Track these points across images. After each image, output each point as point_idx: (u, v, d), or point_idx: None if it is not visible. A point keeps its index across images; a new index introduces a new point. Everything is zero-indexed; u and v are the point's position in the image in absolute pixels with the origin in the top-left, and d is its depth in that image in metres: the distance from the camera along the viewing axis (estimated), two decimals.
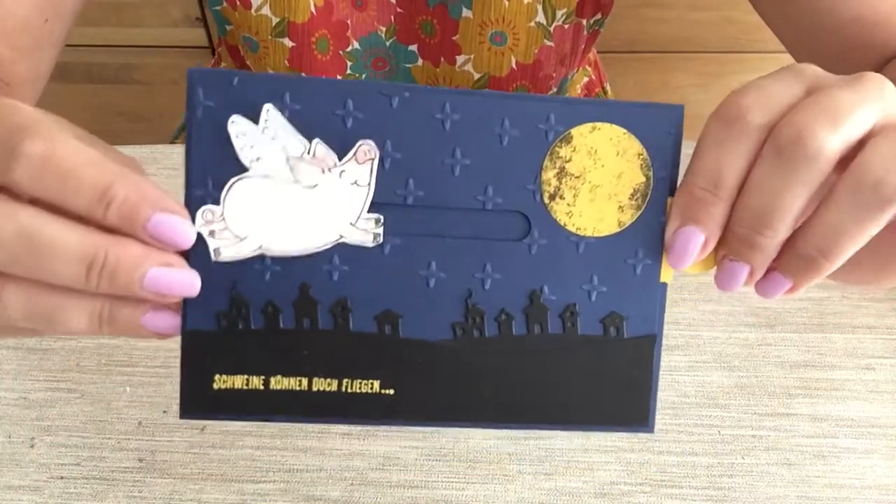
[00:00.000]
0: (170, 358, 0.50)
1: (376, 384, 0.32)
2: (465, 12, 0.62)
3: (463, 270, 0.32)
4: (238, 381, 0.31)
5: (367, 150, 0.30)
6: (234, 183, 0.30)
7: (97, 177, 0.27)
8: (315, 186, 0.30)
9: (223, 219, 0.30)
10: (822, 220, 0.30)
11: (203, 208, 0.29)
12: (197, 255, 0.30)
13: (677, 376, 0.50)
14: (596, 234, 0.32)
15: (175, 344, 0.50)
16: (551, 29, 0.63)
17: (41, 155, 0.27)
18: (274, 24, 0.62)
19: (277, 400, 0.32)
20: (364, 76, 0.68)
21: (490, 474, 0.46)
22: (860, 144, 0.30)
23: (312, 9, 0.61)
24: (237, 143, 0.29)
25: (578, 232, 0.32)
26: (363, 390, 0.32)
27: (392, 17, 0.64)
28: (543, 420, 0.33)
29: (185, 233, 0.28)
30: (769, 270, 0.32)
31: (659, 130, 0.32)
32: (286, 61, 0.65)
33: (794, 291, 0.32)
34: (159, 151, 0.63)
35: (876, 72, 0.44)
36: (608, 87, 0.88)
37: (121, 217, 0.27)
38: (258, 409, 0.32)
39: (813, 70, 0.32)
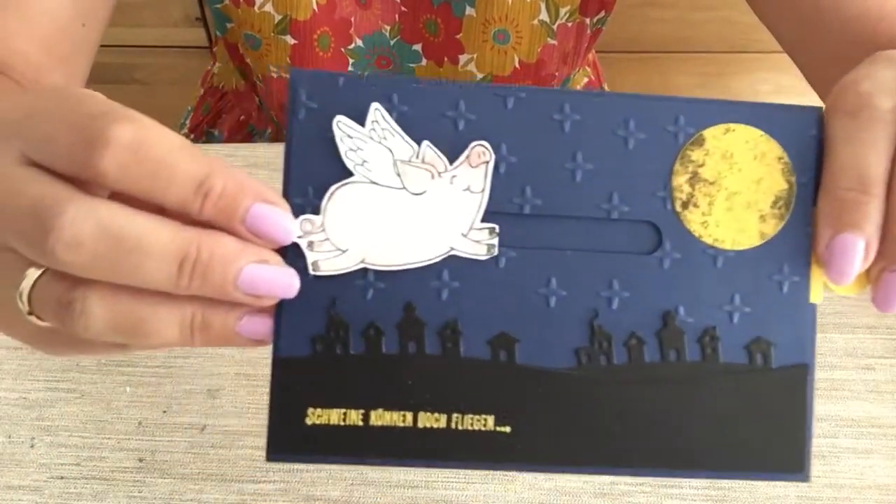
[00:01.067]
0: (170, 358, 0.50)
1: (490, 420, 0.29)
2: (469, 10, 0.62)
3: (587, 288, 0.29)
4: (334, 416, 0.28)
5: (481, 152, 0.28)
6: (336, 189, 0.27)
7: (194, 165, 0.24)
8: (423, 193, 0.28)
9: (323, 229, 0.27)
10: None
11: (302, 218, 0.27)
12: (293, 268, 0.27)
13: None
14: (736, 247, 0.29)
15: None
16: (554, 27, 0.63)
17: (132, 140, 0.24)
18: (276, 21, 0.62)
19: (378, 437, 0.28)
20: (367, 75, 0.68)
21: (490, 474, 0.46)
22: None
23: (314, 6, 0.61)
24: (342, 146, 0.27)
25: (716, 244, 0.29)
26: (475, 427, 0.29)
27: (396, 16, 0.64)
28: (680, 466, 0.29)
29: (285, 227, 0.26)
30: None
31: (799, 132, 0.29)
32: (288, 58, 0.65)
33: None
34: None
35: None
36: (605, 88, 0.88)
37: (218, 210, 0.25)
38: (356, 448, 0.28)
39: None
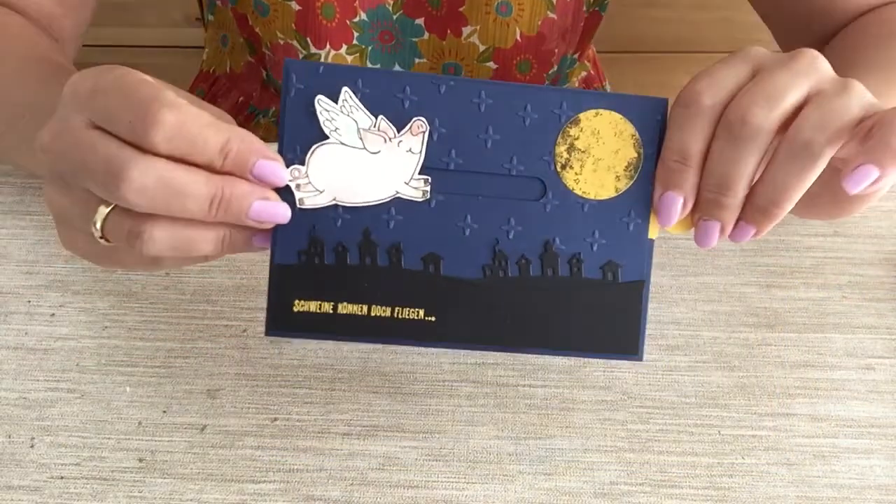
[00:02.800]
0: (169, 358, 0.50)
1: (421, 312, 0.40)
2: None
3: (492, 223, 0.40)
4: (313, 306, 0.39)
5: (419, 125, 0.38)
6: (316, 148, 0.38)
7: (217, 136, 0.34)
8: (378, 153, 0.38)
9: (307, 176, 0.38)
10: (770, 178, 0.38)
11: (292, 167, 0.37)
12: (286, 203, 0.37)
13: (677, 376, 0.50)
14: (598, 198, 0.40)
15: (174, 343, 0.50)
16: (554, 1, 0.65)
17: (175, 123, 0.33)
18: None
19: (343, 322, 0.40)
20: (370, 49, 0.68)
21: (490, 474, 0.46)
22: (798, 110, 0.37)
23: None
24: (321, 117, 0.37)
25: (583, 195, 0.40)
26: (411, 317, 0.40)
27: None
28: (552, 345, 0.41)
29: (280, 175, 0.36)
30: (736, 221, 0.39)
31: (648, 117, 0.39)
32: (293, 24, 0.66)
33: (759, 235, 0.39)
34: None
35: (837, 32, 0.59)
36: (608, 87, 0.88)
37: (235, 164, 0.35)
38: (327, 329, 0.39)
39: (757, 52, 0.39)
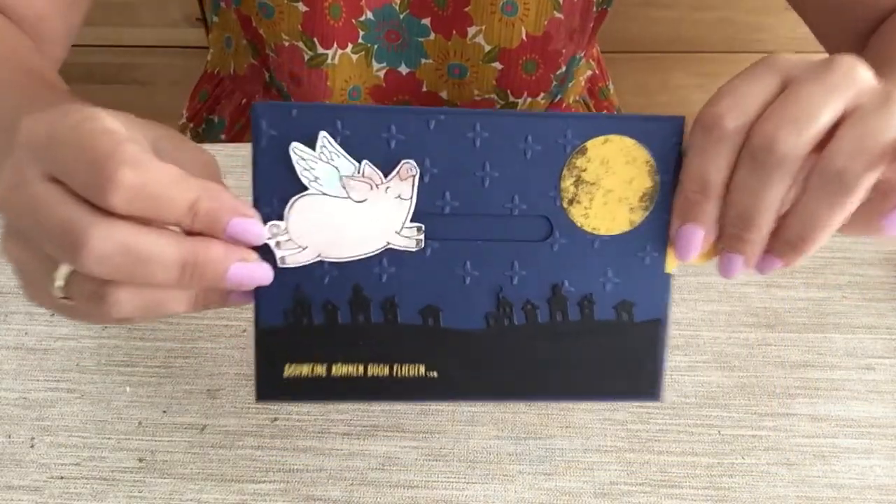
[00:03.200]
0: (169, 358, 0.50)
1: (422, 368, 0.37)
2: None
3: (494, 268, 0.37)
4: (305, 369, 0.37)
5: (408, 168, 0.35)
6: (295, 200, 0.34)
7: (184, 194, 0.31)
8: (365, 201, 0.35)
9: (287, 231, 0.34)
10: (800, 210, 0.34)
11: (270, 223, 0.34)
12: (267, 262, 0.34)
13: (677, 376, 0.50)
14: (609, 233, 0.37)
15: (174, 343, 0.50)
16: (561, 1, 0.64)
17: (134, 184, 0.30)
18: None
19: (338, 384, 0.37)
20: (376, 47, 0.68)
21: (490, 474, 0.46)
22: (834, 129, 0.33)
23: None
24: (298, 167, 0.34)
25: (594, 231, 0.37)
26: (411, 374, 0.37)
27: None
28: (565, 393, 0.38)
29: (257, 233, 0.33)
30: (763, 252, 0.36)
31: (664, 140, 0.36)
32: (299, 26, 0.66)
33: (788, 266, 0.36)
34: None
35: (879, 22, 0.52)
36: (611, 86, 0.88)
37: (206, 224, 0.32)
38: (322, 392, 0.37)
39: (785, 61, 0.35)
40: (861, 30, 0.57)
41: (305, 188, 0.34)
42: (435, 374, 0.37)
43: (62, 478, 0.45)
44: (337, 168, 0.34)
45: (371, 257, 0.36)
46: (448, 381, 0.37)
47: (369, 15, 0.66)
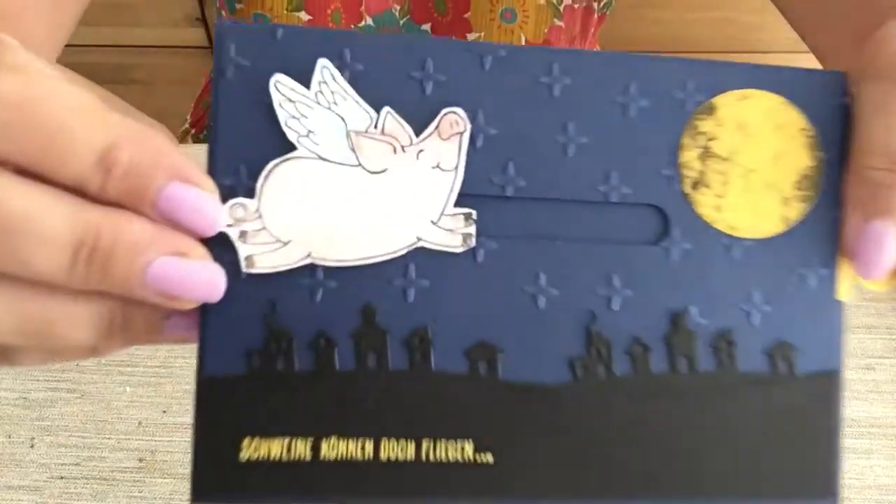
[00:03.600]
0: (170, 358, 0.50)
1: (469, 447, 0.24)
2: None
3: (582, 285, 0.24)
4: (275, 447, 0.23)
5: (454, 121, 0.23)
6: (275, 167, 0.22)
7: (96, 131, 0.19)
8: (384, 171, 0.23)
9: (259, 216, 0.22)
10: None
11: (232, 202, 0.22)
12: (222, 265, 0.22)
13: None
14: (755, 235, 0.25)
15: (174, 344, 0.50)
16: (561, 8, 0.64)
17: (18, 94, 0.19)
18: None
19: (331, 473, 0.23)
20: None
21: None
22: None
23: None
24: (282, 113, 0.22)
25: (732, 232, 0.25)
26: (451, 456, 0.23)
27: None
28: (695, 494, 0.25)
29: (209, 212, 0.21)
30: None
31: (826, 100, 0.25)
32: None
33: None
34: None
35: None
36: None
37: (123, 189, 0.20)
38: (303, 487, 0.23)
39: None
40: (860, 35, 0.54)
41: (292, 147, 0.22)
42: (490, 457, 0.24)
43: (62, 478, 0.45)
44: (342, 117, 0.23)
45: (391, 261, 0.23)
46: (510, 469, 0.24)
47: (369, 21, 0.66)
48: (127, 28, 1.26)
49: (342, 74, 0.23)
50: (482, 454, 0.24)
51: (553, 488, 0.24)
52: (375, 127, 0.23)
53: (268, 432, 0.23)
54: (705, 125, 0.25)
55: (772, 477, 0.25)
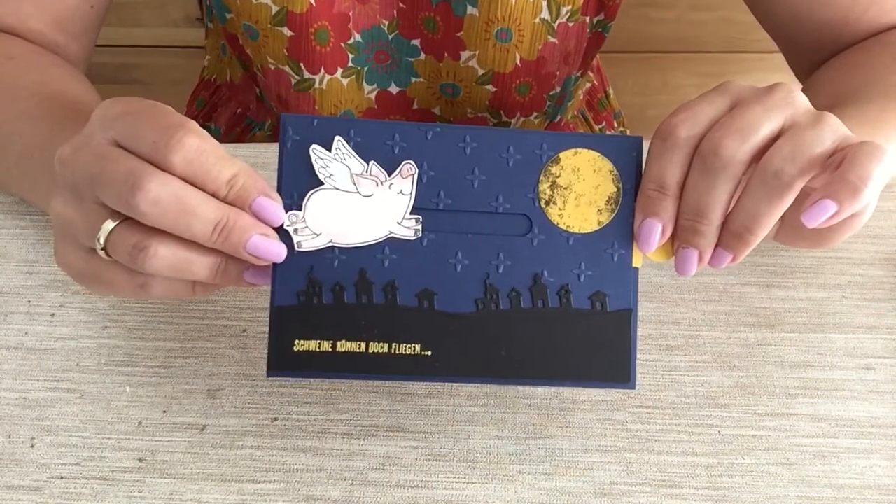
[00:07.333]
0: (169, 358, 0.50)
1: (417, 347, 0.41)
2: (471, 9, 0.62)
3: (482, 258, 0.42)
4: (313, 345, 0.41)
5: (409, 168, 0.41)
6: (312, 194, 0.40)
7: (229, 168, 0.37)
8: (371, 196, 0.40)
9: (304, 220, 0.40)
10: (743, 205, 0.40)
11: (290, 213, 0.40)
12: (285, 244, 0.39)
13: (677, 376, 0.50)
14: (581, 231, 0.42)
15: (174, 343, 0.50)
16: (555, 26, 0.64)
17: (196, 148, 0.36)
18: (273, 12, 0.62)
19: (342, 359, 0.41)
20: (366, 69, 0.67)
21: (490, 474, 0.46)
22: (773, 142, 0.39)
23: (312, 0, 0.61)
24: (316, 165, 0.40)
25: (568, 229, 0.42)
26: (407, 352, 0.41)
27: (395, 12, 0.64)
28: (546, 376, 0.42)
29: (276, 212, 0.39)
30: (714, 248, 0.41)
31: (625, 153, 0.42)
32: (285, 50, 0.65)
33: (736, 261, 0.42)
34: None
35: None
36: (610, 91, 0.88)
37: (237, 196, 0.38)
38: (327, 366, 0.41)
39: (735, 87, 0.41)
40: (809, 46, 0.63)
41: (321, 183, 0.40)
42: (429, 352, 0.41)
43: (62, 478, 0.45)
44: (349, 167, 0.40)
45: (375, 244, 0.41)
46: (440, 360, 0.41)
47: (357, 37, 0.65)
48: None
49: (349, 144, 0.41)
50: (425, 350, 0.41)
51: (465, 372, 0.42)
52: (367, 171, 0.41)
53: (308, 336, 0.41)
54: (553, 169, 0.42)
55: (595, 370, 0.42)
